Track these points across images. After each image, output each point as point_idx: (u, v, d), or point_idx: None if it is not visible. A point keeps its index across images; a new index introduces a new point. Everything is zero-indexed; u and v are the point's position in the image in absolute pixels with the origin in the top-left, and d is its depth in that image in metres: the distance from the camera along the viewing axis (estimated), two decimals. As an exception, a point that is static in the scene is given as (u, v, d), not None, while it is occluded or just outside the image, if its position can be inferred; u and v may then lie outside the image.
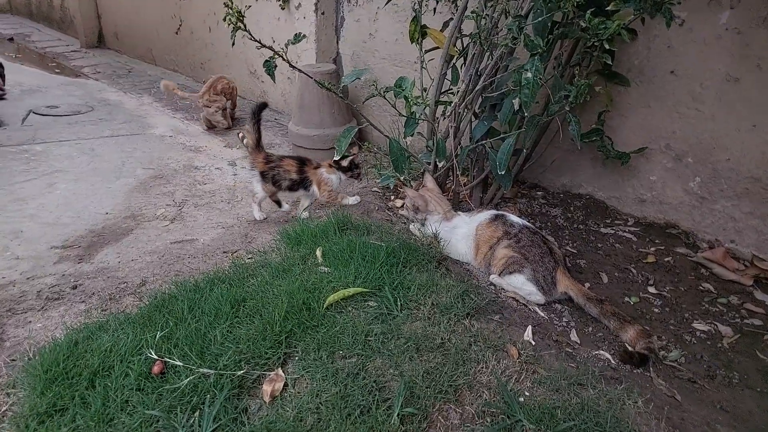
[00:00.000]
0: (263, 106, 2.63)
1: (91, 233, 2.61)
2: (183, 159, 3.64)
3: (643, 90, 2.58)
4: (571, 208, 2.89)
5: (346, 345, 1.59)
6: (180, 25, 5.89)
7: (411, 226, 2.56)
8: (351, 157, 2.68)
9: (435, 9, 2.72)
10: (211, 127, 4.28)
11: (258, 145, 2.67)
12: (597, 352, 1.86)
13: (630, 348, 1.88)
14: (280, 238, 2.36)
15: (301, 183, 2.69)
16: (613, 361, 1.82)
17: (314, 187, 2.71)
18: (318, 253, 2.09)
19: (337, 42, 4.08)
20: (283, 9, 4.26)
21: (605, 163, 2.72)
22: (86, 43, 7.38)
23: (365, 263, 1.94)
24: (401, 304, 1.81)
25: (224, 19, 1.67)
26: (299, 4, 4.03)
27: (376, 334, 1.64)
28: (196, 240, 2.58)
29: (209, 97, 4.16)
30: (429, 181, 2.55)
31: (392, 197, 2.98)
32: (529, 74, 1.99)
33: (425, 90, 2.47)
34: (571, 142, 2.74)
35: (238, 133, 4.16)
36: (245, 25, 1.72)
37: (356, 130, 2.25)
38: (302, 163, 2.71)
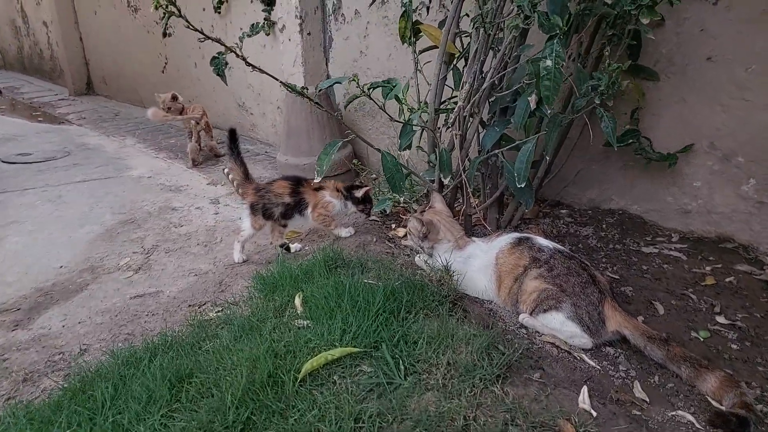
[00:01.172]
0: (233, 133, 2.34)
1: (38, 292, 2.20)
2: (160, 200, 3.28)
3: (676, 82, 2.21)
4: (604, 226, 2.45)
5: (328, 438, 1.12)
6: (165, 64, 5.71)
7: (416, 258, 2.13)
8: (366, 189, 2.37)
9: (428, 8, 2.37)
10: (196, 163, 3.97)
11: (247, 177, 2.41)
12: (674, 413, 1.41)
13: (715, 402, 1.43)
14: (254, 285, 1.92)
15: (296, 207, 2.32)
16: (698, 425, 1.36)
17: (309, 210, 2.33)
18: (297, 301, 1.64)
19: (327, 63, 3.80)
20: (268, 35, 4.06)
21: (646, 167, 2.30)
22: (75, 91, 7.22)
23: (356, 312, 1.47)
24: (405, 368, 1.33)
25: (153, 5, 1.32)
26: (283, 26, 3.77)
27: (370, 417, 1.16)
28: (160, 292, 2.16)
29: (207, 119, 4.04)
30: (437, 201, 2.13)
31: (393, 226, 2.55)
32: (549, 62, 1.61)
33: (424, 103, 2.09)
34: (597, 150, 2.34)
35: (224, 170, 3.83)
36: (179, 10, 1.37)
37: (339, 144, 1.85)
38: (297, 183, 2.37)
